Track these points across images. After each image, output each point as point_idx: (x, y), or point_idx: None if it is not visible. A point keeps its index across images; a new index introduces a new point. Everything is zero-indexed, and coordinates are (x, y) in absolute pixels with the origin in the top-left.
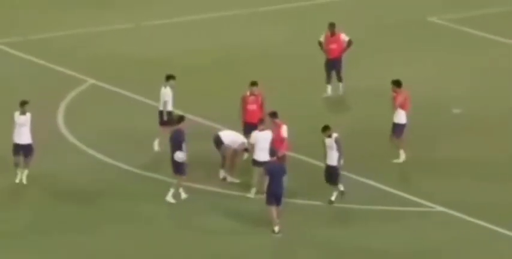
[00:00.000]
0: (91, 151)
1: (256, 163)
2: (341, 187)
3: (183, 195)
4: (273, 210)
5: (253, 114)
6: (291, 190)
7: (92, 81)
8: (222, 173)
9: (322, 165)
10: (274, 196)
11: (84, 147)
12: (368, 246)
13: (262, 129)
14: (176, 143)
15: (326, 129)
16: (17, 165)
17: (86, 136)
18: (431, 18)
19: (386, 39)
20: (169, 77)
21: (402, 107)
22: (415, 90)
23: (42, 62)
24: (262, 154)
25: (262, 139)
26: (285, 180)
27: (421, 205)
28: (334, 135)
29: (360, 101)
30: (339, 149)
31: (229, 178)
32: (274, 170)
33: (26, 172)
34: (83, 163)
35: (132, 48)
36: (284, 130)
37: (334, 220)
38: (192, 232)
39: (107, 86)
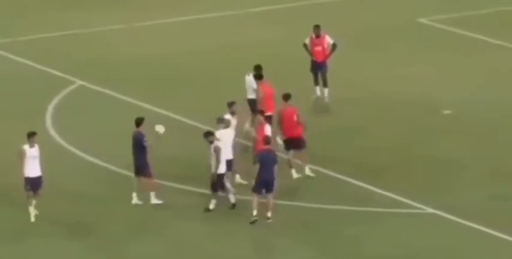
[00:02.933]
0: (80, 153)
1: None
2: (211, 206)
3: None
4: (256, 198)
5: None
6: (288, 192)
7: (81, 82)
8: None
9: (317, 167)
10: (264, 183)
11: (73, 149)
12: (359, 248)
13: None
14: (138, 144)
15: (208, 134)
16: (29, 197)
17: (75, 137)
18: (421, 19)
19: (377, 40)
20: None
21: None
22: (407, 91)
23: (31, 63)
24: None
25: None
26: (276, 169)
27: (411, 207)
28: (216, 143)
29: (352, 102)
30: (217, 158)
31: (238, 179)
32: (266, 159)
33: (33, 203)
34: (72, 164)
35: (129, 49)
36: (267, 130)
37: (326, 222)
38: (187, 234)
39: (96, 88)
